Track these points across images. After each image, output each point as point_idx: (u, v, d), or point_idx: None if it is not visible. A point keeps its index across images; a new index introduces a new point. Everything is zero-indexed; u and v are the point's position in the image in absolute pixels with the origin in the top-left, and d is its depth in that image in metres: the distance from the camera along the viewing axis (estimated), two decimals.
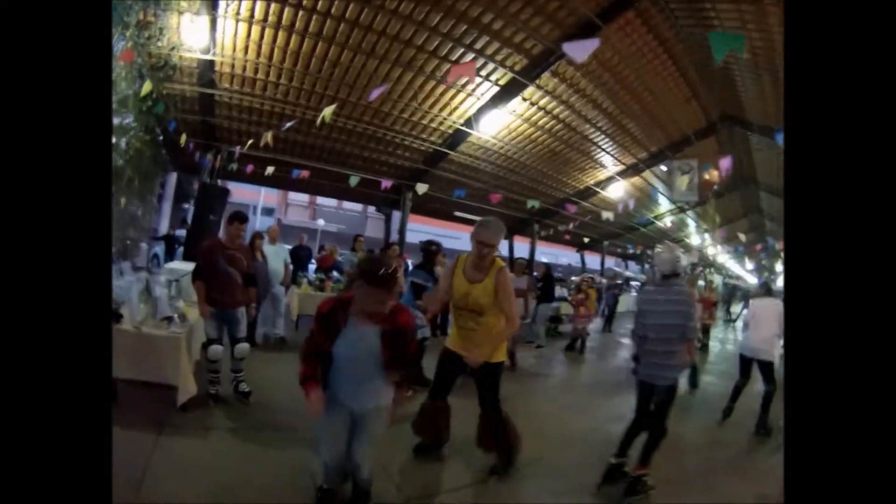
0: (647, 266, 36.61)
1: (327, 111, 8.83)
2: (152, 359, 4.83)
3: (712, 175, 15.30)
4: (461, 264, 4.30)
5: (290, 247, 12.83)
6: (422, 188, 15.41)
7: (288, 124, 10.60)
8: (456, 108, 12.95)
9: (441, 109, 12.91)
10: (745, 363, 6.90)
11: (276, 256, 8.47)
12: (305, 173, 14.12)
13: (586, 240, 28.27)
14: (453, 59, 10.58)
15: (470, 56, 10.48)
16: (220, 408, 5.29)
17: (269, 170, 13.79)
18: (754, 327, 6.78)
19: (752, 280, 46.65)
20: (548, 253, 37.53)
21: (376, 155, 15.46)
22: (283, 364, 7.30)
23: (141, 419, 4.55)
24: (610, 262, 34.58)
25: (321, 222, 40.82)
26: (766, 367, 6.60)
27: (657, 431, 4.37)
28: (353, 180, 14.27)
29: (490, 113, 12.86)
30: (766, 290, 7.52)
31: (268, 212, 42.44)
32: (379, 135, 14.03)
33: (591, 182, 19.36)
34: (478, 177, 17.12)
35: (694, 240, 29.90)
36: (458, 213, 20.31)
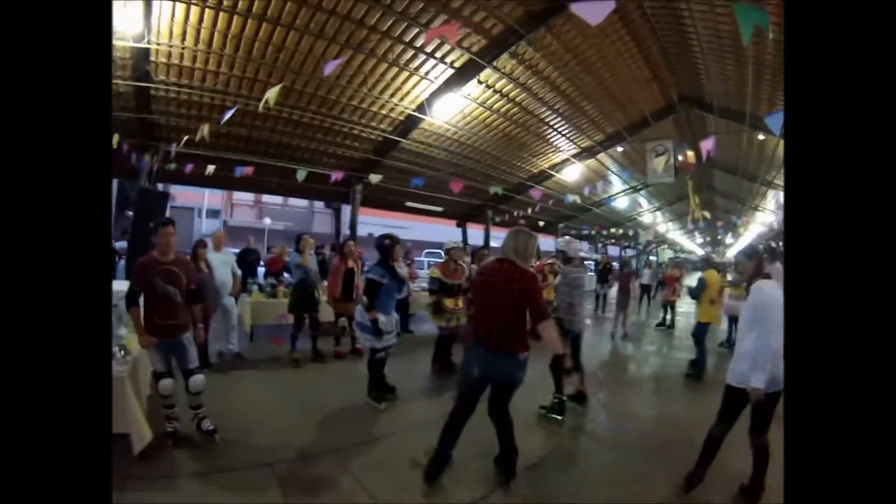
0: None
1: (272, 93, 7.86)
2: None
3: (688, 156, 15.28)
4: None
5: (237, 251, 12.04)
6: (375, 178, 14.73)
7: (227, 115, 9.35)
8: (408, 94, 12.24)
9: (392, 95, 12.16)
10: (736, 398, 3.95)
11: (223, 265, 7.68)
12: (249, 170, 12.94)
13: (541, 223, 27.98)
14: (407, 40, 9.86)
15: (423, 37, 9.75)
16: (183, 450, 4.56)
17: (210, 169, 12.80)
18: (761, 331, 3.76)
19: (701, 252, 48.19)
20: (497, 237, 37.56)
21: (324, 146, 14.60)
22: (244, 385, 6.75)
23: None
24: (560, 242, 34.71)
25: (268, 221, 39.62)
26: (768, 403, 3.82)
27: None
28: (301, 175, 13.41)
29: (443, 97, 12.23)
30: (754, 261, 4.16)
31: (213, 213, 41.21)
32: (326, 124, 13.20)
33: (547, 165, 19.07)
34: (431, 164, 16.54)
35: (646, 218, 30.26)
36: (410, 204, 19.75)
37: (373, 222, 34.86)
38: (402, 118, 13.45)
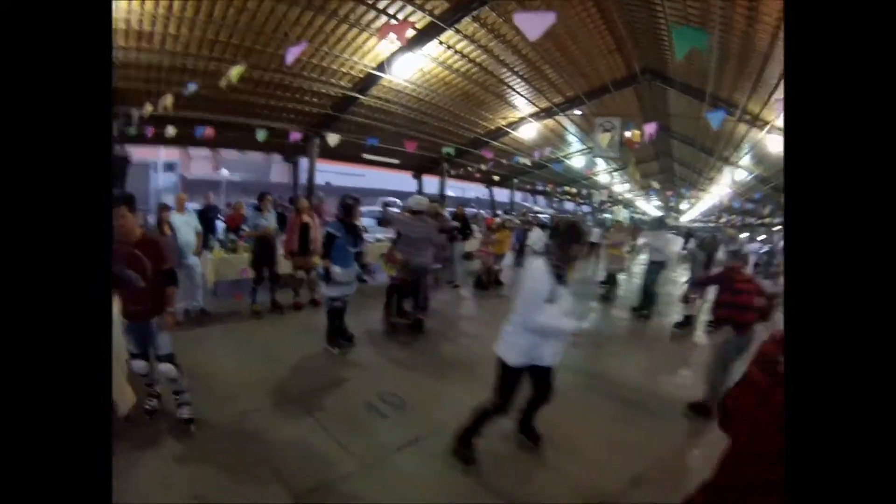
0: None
1: (234, 72, 7.90)
2: None
3: (634, 134, 15.75)
4: None
5: (198, 208, 12.13)
6: (333, 139, 14.94)
7: (191, 87, 9.53)
8: (368, 52, 12.30)
9: (353, 53, 12.23)
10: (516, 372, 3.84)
11: (187, 226, 7.98)
12: (210, 131, 12.99)
13: (496, 178, 28.48)
14: (370, 1, 9.94)
15: None
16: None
17: (171, 131, 12.79)
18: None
19: (658, 214, 49.53)
20: (455, 187, 38.11)
21: (283, 103, 14.61)
22: (212, 341, 7.05)
23: None
24: (517, 195, 35.43)
25: (225, 172, 38.84)
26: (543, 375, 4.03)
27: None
28: (261, 135, 13.60)
29: (404, 56, 12.35)
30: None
31: (169, 167, 40.06)
32: (286, 82, 13.23)
33: (504, 123, 19.34)
34: (389, 119, 16.71)
35: (602, 178, 30.86)
36: (367, 156, 19.99)
37: (330, 170, 34.71)
38: (361, 75, 13.51)
